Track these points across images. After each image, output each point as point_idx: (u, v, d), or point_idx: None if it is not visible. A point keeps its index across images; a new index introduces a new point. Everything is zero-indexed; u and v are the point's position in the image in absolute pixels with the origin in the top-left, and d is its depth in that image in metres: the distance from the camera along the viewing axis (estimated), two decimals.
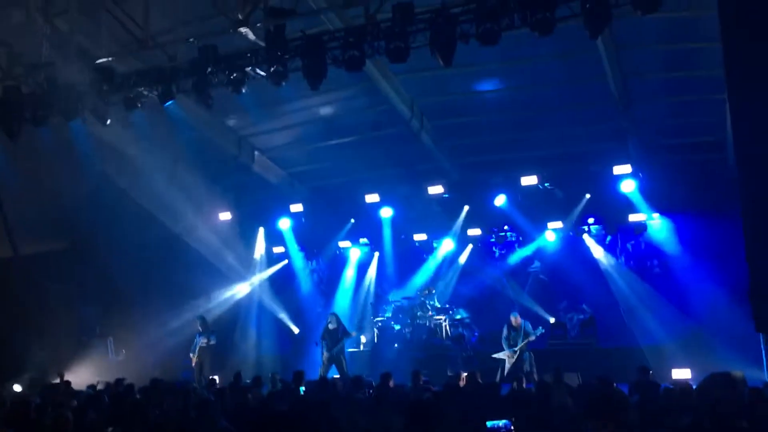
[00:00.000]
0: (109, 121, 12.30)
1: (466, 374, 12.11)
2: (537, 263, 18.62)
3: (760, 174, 8.29)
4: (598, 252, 17.49)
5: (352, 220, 19.42)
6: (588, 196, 16.98)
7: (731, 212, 10.38)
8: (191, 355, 16.32)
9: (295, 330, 19.19)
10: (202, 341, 16.26)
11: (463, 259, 19.10)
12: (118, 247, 17.32)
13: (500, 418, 7.83)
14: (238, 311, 19.63)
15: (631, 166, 15.86)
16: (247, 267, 19.91)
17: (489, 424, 7.83)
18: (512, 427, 7.77)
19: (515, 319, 15.03)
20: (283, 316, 19.50)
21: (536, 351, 15.08)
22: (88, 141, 14.73)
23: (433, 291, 18.36)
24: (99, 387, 12.36)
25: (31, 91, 12.60)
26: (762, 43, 8.34)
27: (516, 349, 14.68)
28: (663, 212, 16.79)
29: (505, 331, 15.00)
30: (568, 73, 14.55)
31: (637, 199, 16.47)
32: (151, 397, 9.73)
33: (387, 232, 19.23)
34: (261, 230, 19.99)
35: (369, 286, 19.76)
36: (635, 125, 15.70)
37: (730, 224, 11.19)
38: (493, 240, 18.92)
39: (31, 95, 12.53)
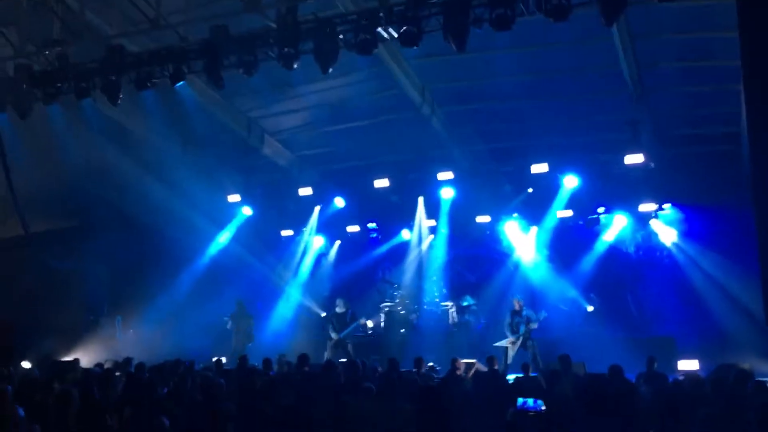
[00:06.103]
0: (119, 101, 12.25)
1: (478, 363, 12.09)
2: (545, 251, 18.48)
3: None
4: (608, 240, 17.37)
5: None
6: (599, 185, 16.80)
7: (743, 205, 10.29)
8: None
9: (322, 313, 18.65)
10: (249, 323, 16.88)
11: (469, 245, 19.02)
12: (128, 225, 17.38)
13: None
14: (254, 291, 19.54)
15: (644, 156, 15.67)
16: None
17: (519, 401, 7.88)
18: (543, 408, 7.82)
19: (518, 302, 15.00)
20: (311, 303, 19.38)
21: (541, 339, 14.98)
22: (99, 120, 14.72)
23: (438, 278, 18.31)
24: (107, 366, 12.43)
25: (42, 69, 12.60)
26: None
27: (519, 335, 14.62)
28: (674, 203, 16.67)
29: (508, 318, 14.95)
30: (582, 61, 14.37)
31: (648, 188, 16.32)
32: (157, 378, 9.76)
33: (397, 218, 19.16)
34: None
35: (378, 270, 19.71)
36: (649, 115, 15.52)
37: (742, 217, 11.09)
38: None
39: (42, 73, 12.52)
